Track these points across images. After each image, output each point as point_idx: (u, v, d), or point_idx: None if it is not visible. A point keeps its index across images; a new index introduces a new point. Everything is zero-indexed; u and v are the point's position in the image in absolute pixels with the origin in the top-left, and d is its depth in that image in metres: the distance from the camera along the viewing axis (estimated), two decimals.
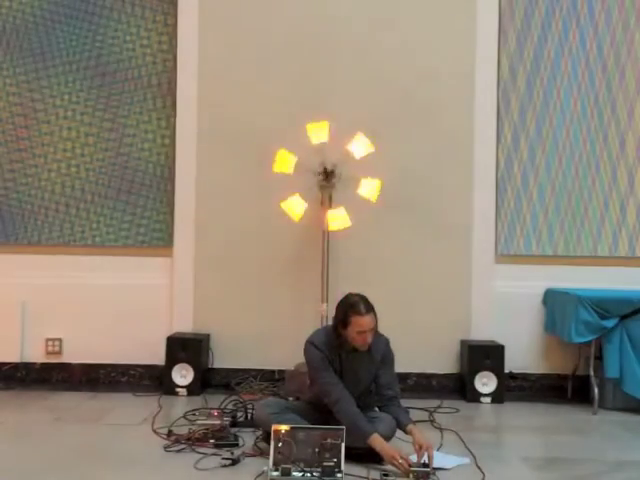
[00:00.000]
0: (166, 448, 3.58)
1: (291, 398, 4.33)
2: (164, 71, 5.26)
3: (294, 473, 3.06)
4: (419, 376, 5.12)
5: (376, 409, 3.61)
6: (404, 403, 3.70)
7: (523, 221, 5.21)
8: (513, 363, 5.01)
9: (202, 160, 5.15)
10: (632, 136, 5.19)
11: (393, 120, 5.08)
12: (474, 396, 4.81)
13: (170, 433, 3.75)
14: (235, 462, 3.34)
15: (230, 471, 3.28)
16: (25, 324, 5.15)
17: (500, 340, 4.97)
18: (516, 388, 5.11)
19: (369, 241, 5.07)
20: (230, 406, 4.23)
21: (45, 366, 5.18)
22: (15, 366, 5.17)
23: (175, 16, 5.20)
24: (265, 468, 3.13)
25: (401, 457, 3.19)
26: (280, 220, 4.92)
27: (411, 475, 3.12)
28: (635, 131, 5.18)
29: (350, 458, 3.24)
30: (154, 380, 5.12)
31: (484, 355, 4.84)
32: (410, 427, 3.41)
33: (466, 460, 3.49)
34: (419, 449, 3.26)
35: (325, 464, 3.08)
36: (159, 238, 5.26)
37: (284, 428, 3.17)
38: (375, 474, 3.24)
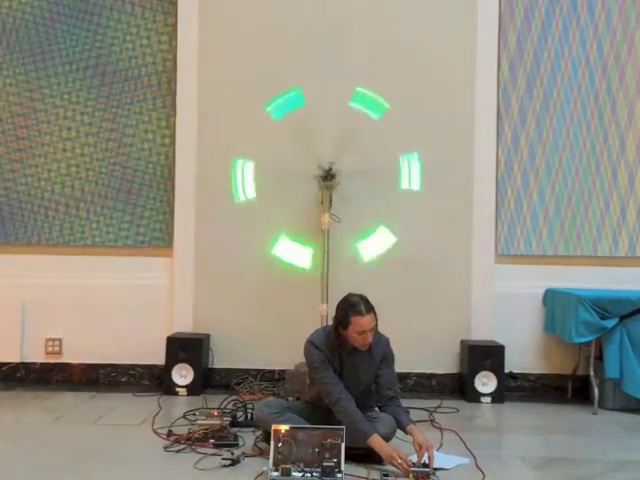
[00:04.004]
0: (166, 448, 3.57)
1: (291, 398, 4.33)
2: (164, 71, 5.26)
3: (294, 473, 3.06)
4: (419, 376, 5.12)
5: (376, 409, 3.61)
6: (404, 403, 3.70)
7: (523, 221, 5.21)
8: (513, 363, 5.01)
9: (202, 160, 5.15)
10: (632, 136, 5.19)
11: (393, 120, 5.07)
12: (474, 396, 4.81)
13: (170, 433, 3.74)
14: (235, 462, 3.33)
15: (230, 471, 3.27)
16: (25, 324, 5.15)
17: (500, 340, 4.97)
18: (516, 388, 5.11)
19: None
20: (230, 406, 4.23)
21: (45, 366, 5.18)
22: (15, 366, 5.17)
23: (175, 16, 5.20)
24: (265, 468, 3.13)
25: (400, 457, 3.19)
26: (280, 220, 4.93)
27: (411, 475, 3.12)
28: (635, 131, 5.18)
29: (350, 458, 3.25)
30: (154, 380, 5.12)
31: (484, 355, 4.84)
32: (410, 427, 3.41)
33: (466, 460, 3.49)
34: (419, 449, 3.26)
35: (325, 464, 3.07)
36: (159, 238, 5.26)
37: (284, 428, 3.17)
38: (375, 474, 3.24)
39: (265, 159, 4.91)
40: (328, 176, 4.80)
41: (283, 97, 4.67)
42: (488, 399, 4.81)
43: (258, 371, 5.12)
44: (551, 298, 5.07)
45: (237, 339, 5.10)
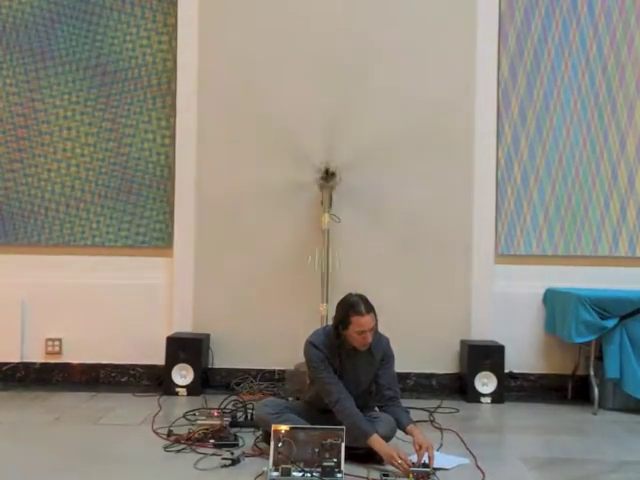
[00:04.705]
0: (166, 448, 3.57)
1: (291, 398, 4.33)
2: (164, 71, 5.26)
3: (294, 473, 3.06)
4: (419, 376, 5.12)
5: (376, 409, 3.61)
6: (404, 403, 3.71)
7: (523, 221, 5.21)
8: (513, 363, 5.01)
9: (202, 160, 5.15)
10: (632, 136, 5.18)
11: (392, 119, 5.07)
12: (474, 396, 4.81)
13: (170, 433, 3.74)
14: (235, 462, 3.33)
15: (230, 471, 3.27)
16: (25, 324, 5.15)
17: (500, 340, 4.96)
18: (516, 388, 5.11)
19: (369, 241, 5.07)
20: (230, 406, 4.23)
21: (45, 366, 5.18)
22: (15, 366, 5.17)
23: (175, 16, 5.20)
24: (265, 468, 3.13)
25: (400, 457, 3.19)
26: (280, 220, 4.93)
27: (411, 475, 3.12)
28: (635, 131, 5.18)
29: (350, 458, 3.25)
30: (154, 380, 5.12)
31: (484, 355, 4.84)
32: (410, 427, 3.41)
33: (466, 460, 3.49)
34: (419, 449, 3.26)
35: (325, 464, 3.07)
36: (159, 238, 5.26)
37: (284, 428, 3.17)
38: (375, 474, 3.24)
39: (265, 159, 4.91)
40: (329, 177, 4.80)
41: None
42: (488, 399, 4.80)
43: (258, 371, 5.12)
44: (551, 298, 5.07)
45: (237, 339, 5.09)
